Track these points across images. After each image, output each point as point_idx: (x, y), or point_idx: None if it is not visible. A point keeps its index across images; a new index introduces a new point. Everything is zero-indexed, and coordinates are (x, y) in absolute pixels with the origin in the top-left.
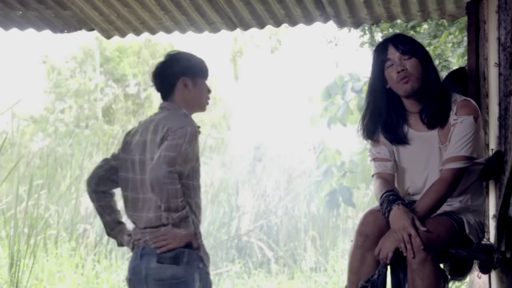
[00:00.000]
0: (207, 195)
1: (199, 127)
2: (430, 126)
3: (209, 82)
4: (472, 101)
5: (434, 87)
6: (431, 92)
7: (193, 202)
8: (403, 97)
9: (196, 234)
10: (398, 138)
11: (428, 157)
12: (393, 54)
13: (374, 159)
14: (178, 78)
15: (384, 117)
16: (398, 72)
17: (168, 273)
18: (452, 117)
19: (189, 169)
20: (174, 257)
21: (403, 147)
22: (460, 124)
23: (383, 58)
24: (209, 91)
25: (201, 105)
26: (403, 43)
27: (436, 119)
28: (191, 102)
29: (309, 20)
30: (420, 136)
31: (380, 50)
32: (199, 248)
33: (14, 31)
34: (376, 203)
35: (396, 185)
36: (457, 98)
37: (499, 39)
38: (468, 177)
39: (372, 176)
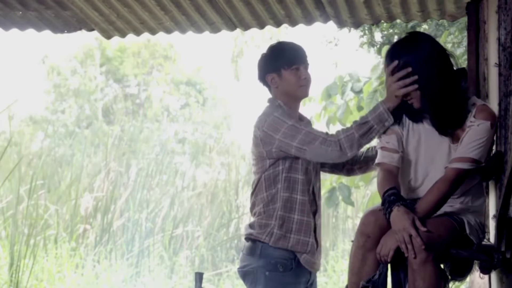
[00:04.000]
0: (206, 196)
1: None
2: (441, 132)
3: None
4: (491, 107)
5: (436, 100)
6: (439, 102)
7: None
8: None
9: None
10: (414, 116)
11: (435, 152)
12: (387, 65)
13: (382, 148)
14: (264, 77)
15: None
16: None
17: None
18: (470, 119)
19: None
20: None
21: (412, 139)
22: (476, 127)
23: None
24: (302, 76)
25: (294, 94)
26: (398, 57)
27: (448, 125)
28: (285, 93)
29: (309, 20)
30: (431, 130)
31: (386, 57)
32: None
33: (14, 31)
34: (376, 202)
35: (399, 177)
36: (477, 102)
37: (499, 39)
38: (471, 179)
39: (377, 164)
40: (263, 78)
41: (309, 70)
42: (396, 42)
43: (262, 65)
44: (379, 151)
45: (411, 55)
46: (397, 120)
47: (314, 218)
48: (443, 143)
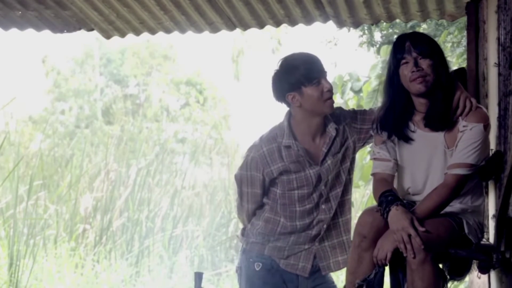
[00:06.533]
0: (206, 195)
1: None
2: (434, 128)
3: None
4: (483, 108)
5: (445, 89)
6: (440, 93)
7: None
8: (414, 96)
9: None
10: (404, 135)
11: (431, 158)
12: (410, 52)
13: (375, 159)
14: (284, 97)
15: (395, 112)
16: (413, 72)
17: None
18: (462, 123)
19: None
20: None
21: (406, 146)
22: (469, 131)
23: (400, 55)
24: (325, 89)
25: (319, 110)
26: (422, 43)
27: (440, 121)
28: (309, 111)
29: (308, 20)
30: (426, 136)
31: (398, 47)
32: None
33: (14, 31)
34: (374, 203)
35: (396, 184)
36: None
37: (498, 39)
38: (470, 180)
39: (372, 175)
40: (283, 97)
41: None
42: (406, 35)
43: (278, 84)
44: (373, 162)
45: (432, 45)
46: (388, 133)
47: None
48: (437, 148)
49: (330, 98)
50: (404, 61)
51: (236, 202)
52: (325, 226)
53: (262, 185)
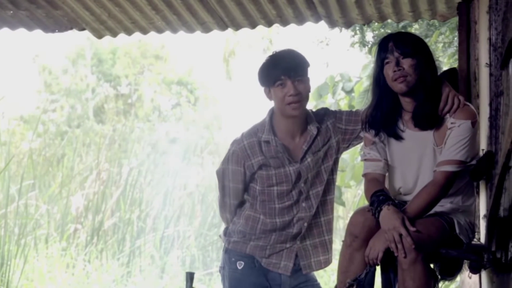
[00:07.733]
0: (197, 195)
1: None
2: (423, 127)
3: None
4: (471, 106)
5: (430, 89)
6: (426, 93)
7: None
8: (399, 95)
9: None
10: (393, 132)
11: (421, 157)
12: (392, 52)
13: (366, 159)
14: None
15: (382, 111)
16: (395, 71)
17: None
18: (450, 120)
19: None
20: None
21: (396, 146)
22: (457, 128)
23: (383, 55)
24: (288, 92)
25: (283, 112)
26: (405, 43)
27: (428, 120)
28: (277, 110)
29: (300, 20)
30: (415, 135)
31: (382, 46)
32: None
33: (5, 30)
34: (366, 203)
35: (387, 184)
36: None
37: (490, 39)
38: (460, 178)
39: (363, 175)
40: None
41: (305, 82)
42: (390, 35)
43: (258, 78)
44: (364, 163)
45: (416, 44)
46: (376, 131)
47: (294, 241)
48: (427, 146)
49: (293, 102)
50: (387, 61)
51: (218, 200)
52: (305, 224)
53: (243, 179)
